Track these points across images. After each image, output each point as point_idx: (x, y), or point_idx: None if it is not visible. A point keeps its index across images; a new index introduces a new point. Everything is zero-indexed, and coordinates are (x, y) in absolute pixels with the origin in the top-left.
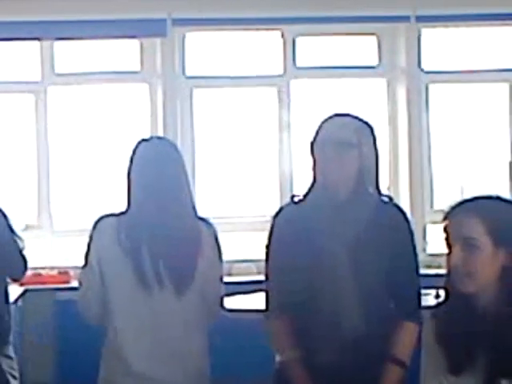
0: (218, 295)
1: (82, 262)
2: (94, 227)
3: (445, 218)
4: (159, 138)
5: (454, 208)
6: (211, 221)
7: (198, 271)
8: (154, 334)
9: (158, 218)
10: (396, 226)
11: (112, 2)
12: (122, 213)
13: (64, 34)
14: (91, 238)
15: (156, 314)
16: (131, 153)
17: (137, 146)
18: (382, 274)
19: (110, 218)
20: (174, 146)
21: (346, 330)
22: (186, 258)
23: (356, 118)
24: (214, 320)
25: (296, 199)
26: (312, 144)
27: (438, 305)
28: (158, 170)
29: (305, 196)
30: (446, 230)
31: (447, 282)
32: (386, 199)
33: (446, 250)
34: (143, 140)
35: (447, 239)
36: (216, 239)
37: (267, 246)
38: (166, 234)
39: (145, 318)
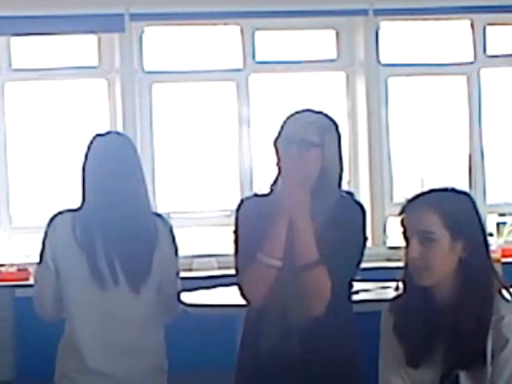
0: (174, 290)
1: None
2: (49, 224)
3: (401, 212)
4: (115, 132)
5: (410, 201)
6: (167, 216)
7: (154, 267)
8: (110, 330)
9: (112, 214)
10: (347, 216)
11: None
12: (77, 209)
13: (21, 30)
14: (46, 234)
15: (112, 310)
16: (86, 148)
17: (91, 142)
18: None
19: (65, 214)
20: (130, 141)
21: (295, 318)
22: (142, 255)
23: (321, 113)
24: (173, 316)
25: (260, 193)
26: (276, 140)
27: (396, 298)
28: (112, 165)
29: (271, 190)
30: (402, 223)
31: (405, 275)
32: (345, 195)
33: (403, 244)
34: (98, 135)
35: (404, 233)
36: (172, 235)
37: (235, 241)
38: (120, 230)
39: (100, 314)
